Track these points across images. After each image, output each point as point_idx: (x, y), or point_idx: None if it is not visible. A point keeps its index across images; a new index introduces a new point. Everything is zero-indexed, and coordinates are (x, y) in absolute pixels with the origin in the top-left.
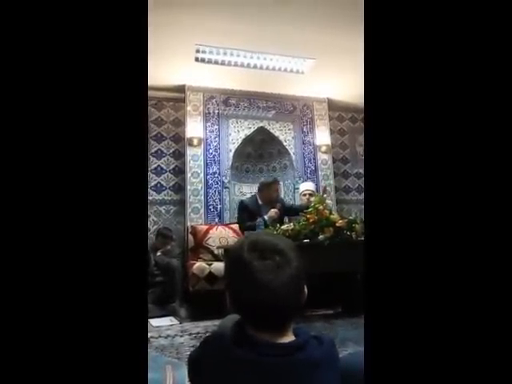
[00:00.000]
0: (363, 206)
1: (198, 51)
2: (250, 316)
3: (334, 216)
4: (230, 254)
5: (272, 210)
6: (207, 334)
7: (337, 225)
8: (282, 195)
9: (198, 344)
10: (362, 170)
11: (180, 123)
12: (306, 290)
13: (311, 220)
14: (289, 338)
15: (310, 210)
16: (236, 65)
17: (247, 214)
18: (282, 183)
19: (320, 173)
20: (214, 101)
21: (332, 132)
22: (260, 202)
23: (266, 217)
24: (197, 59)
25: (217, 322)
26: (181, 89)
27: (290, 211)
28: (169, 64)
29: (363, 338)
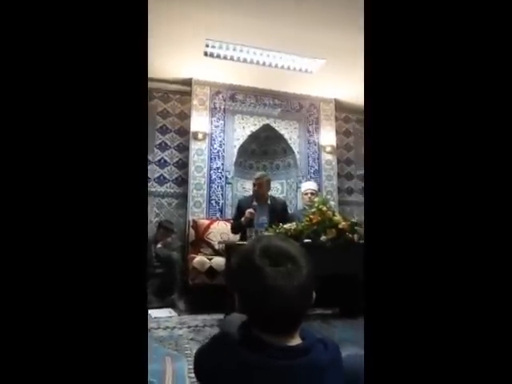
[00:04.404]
0: None
1: (207, 45)
2: (259, 320)
3: (337, 218)
4: (241, 257)
5: (247, 210)
6: (215, 333)
7: (339, 227)
8: (285, 193)
9: (205, 341)
10: None
11: (185, 116)
12: (314, 294)
13: (314, 220)
14: (296, 340)
15: (313, 210)
16: (244, 61)
17: (238, 212)
18: (284, 181)
19: (323, 173)
20: (220, 96)
21: (337, 133)
22: (254, 200)
23: (242, 219)
24: (205, 53)
25: (215, 316)
26: (187, 82)
27: (279, 215)
28: (177, 57)
29: (360, 339)
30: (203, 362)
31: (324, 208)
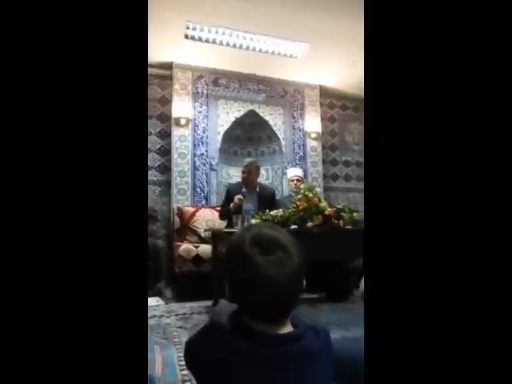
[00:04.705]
0: (350, 194)
1: (188, 28)
2: (251, 309)
3: (323, 204)
4: (230, 247)
5: (236, 196)
6: (204, 321)
7: (326, 213)
8: (270, 180)
9: (193, 329)
10: (350, 158)
11: (167, 102)
12: (304, 282)
13: (301, 207)
14: (287, 328)
15: (299, 196)
16: (227, 44)
17: (227, 198)
18: (269, 168)
19: (308, 159)
20: (202, 80)
21: (322, 119)
22: (244, 187)
23: (231, 205)
24: (186, 36)
25: (203, 304)
26: (168, 66)
27: (267, 203)
28: (157, 39)
29: (346, 321)
30: (194, 352)
31: (310, 194)
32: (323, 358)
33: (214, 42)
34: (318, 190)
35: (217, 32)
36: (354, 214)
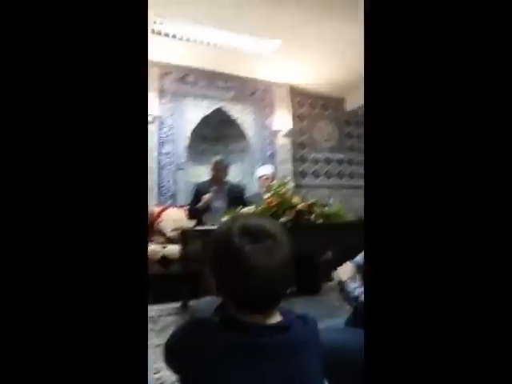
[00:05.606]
0: (319, 191)
1: (155, 22)
2: (241, 300)
3: (296, 199)
4: (218, 237)
5: (205, 195)
6: (187, 320)
7: (298, 208)
8: (240, 178)
9: (177, 329)
10: (319, 156)
11: None
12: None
13: (272, 203)
14: (276, 317)
15: (270, 193)
16: (195, 41)
17: (196, 197)
18: (239, 166)
19: (278, 157)
20: (170, 77)
21: (291, 117)
22: (213, 184)
23: (199, 204)
24: (153, 31)
25: (170, 306)
26: None
27: (237, 200)
28: None
29: (318, 315)
30: (179, 349)
31: (283, 190)
32: (312, 346)
33: (181, 38)
34: (292, 184)
35: (185, 28)
36: (325, 208)
